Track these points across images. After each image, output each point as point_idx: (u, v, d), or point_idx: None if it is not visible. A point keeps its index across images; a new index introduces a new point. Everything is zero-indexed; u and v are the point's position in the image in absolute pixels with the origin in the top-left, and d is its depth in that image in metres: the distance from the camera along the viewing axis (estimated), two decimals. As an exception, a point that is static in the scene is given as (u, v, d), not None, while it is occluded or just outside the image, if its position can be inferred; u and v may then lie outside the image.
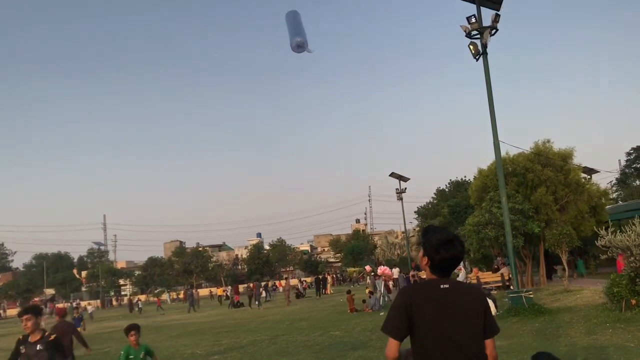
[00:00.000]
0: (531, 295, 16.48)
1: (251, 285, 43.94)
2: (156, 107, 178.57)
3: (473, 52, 17.40)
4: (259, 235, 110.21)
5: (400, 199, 49.65)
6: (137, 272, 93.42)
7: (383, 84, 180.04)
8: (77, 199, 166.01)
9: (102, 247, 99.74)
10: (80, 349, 10.01)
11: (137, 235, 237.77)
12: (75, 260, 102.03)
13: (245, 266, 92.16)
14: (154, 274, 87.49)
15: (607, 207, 27.73)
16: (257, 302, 36.44)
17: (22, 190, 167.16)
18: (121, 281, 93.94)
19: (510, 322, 14.95)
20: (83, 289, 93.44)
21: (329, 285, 46.64)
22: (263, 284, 49.03)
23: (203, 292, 69.55)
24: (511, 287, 20.65)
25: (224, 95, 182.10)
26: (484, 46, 17.19)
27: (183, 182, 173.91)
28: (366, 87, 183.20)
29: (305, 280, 58.44)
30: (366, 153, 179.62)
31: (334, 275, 67.47)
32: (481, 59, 17.46)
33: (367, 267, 35.10)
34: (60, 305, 40.22)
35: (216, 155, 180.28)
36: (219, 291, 55.71)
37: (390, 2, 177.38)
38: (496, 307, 16.81)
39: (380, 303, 23.94)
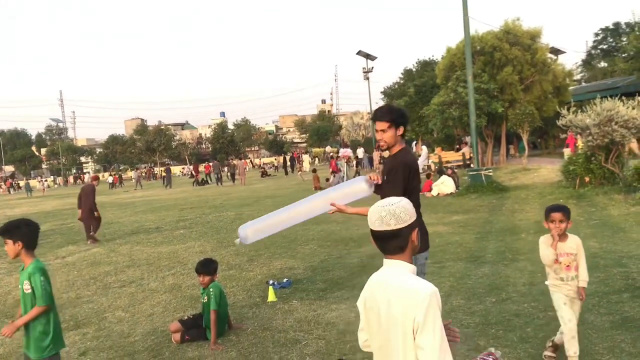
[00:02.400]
0: (490, 174, 16.89)
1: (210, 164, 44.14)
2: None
3: None
4: (222, 114, 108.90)
5: (367, 78, 48.96)
6: (98, 150, 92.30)
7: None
8: (31, 72, 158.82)
9: (60, 124, 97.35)
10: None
11: (96, 112, 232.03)
12: (33, 137, 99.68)
13: (210, 145, 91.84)
14: (115, 152, 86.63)
15: (571, 88, 27.98)
16: (218, 181, 36.77)
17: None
18: (82, 159, 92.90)
19: (468, 198, 15.43)
20: (44, 166, 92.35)
21: (302, 164, 45.71)
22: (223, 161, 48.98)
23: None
24: (471, 165, 21.12)
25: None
26: None
27: (143, 58, 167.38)
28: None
29: (266, 165, 58.55)
30: (333, 31, 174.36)
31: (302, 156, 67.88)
32: None
33: (327, 148, 35.36)
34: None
35: (178, 29, 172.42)
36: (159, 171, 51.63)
37: None
38: (457, 185, 17.27)
39: (343, 181, 24.37)
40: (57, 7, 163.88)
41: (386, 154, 3.80)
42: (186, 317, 5.73)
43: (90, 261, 10.84)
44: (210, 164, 45.17)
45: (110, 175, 55.31)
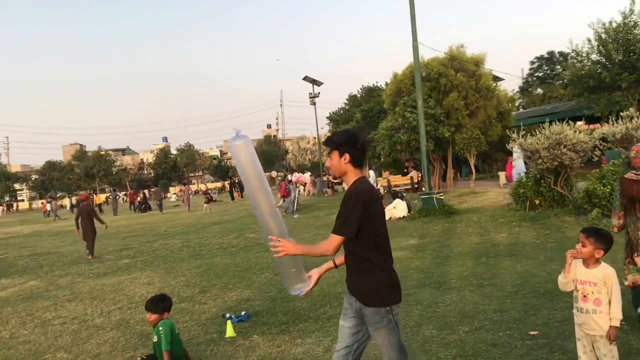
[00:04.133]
0: (442, 197, 16.94)
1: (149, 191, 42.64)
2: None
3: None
4: (165, 139, 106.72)
5: (314, 103, 49.08)
6: (34, 177, 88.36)
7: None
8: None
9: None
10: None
11: (32, 137, 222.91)
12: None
13: (152, 171, 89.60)
14: (52, 179, 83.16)
15: (513, 113, 28.82)
16: (159, 207, 35.73)
17: None
18: (17, 186, 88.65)
19: (421, 222, 15.36)
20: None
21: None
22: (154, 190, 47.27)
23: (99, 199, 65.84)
24: (423, 189, 21.21)
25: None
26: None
27: (82, 82, 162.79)
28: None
29: (210, 190, 57.25)
30: (278, 56, 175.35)
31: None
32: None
33: (273, 173, 35.01)
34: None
35: (118, 54, 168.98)
36: (97, 199, 47.44)
37: None
38: (409, 209, 17.22)
39: (294, 207, 24.00)
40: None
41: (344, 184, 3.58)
42: (139, 359, 5.18)
43: (27, 295, 9.99)
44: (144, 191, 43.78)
45: (48, 202, 52.72)
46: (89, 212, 14.97)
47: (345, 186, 3.30)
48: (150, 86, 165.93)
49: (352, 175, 3.23)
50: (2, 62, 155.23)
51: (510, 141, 14.41)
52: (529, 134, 14.16)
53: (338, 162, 3.23)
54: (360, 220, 3.03)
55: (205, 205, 27.77)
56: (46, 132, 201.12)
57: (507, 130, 20.43)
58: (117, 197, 41.85)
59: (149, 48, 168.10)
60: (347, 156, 3.20)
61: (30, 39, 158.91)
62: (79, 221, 14.63)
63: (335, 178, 32.34)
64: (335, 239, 3.04)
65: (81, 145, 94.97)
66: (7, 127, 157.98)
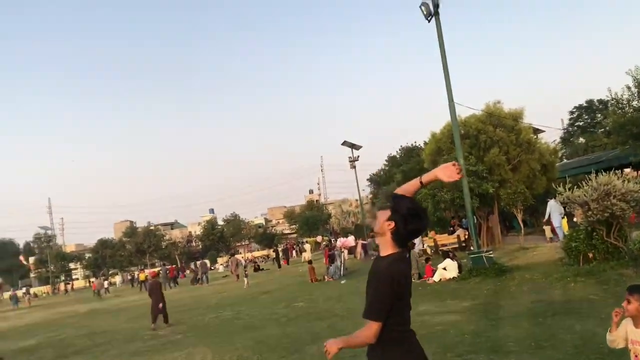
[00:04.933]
0: (491, 255, 16.65)
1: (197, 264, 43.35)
2: (93, 78, 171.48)
3: (425, 13, 17.11)
4: (211, 211, 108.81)
5: (354, 167, 49.61)
6: (87, 255, 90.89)
7: (330, 51, 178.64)
8: (19, 182, 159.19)
9: (49, 232, 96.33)
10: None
11: (85, 217, 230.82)
12: (22, 246, 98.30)
13: (200, 243, 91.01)
14: (105, 256, 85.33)
15: (557, 164, 28.41)
16: (205, 279, 36.17)
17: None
18: (71, 265, 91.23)
19: (473, 282, 15.07)
20: (32, 275, 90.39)
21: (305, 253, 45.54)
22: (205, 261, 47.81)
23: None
24: (471, 248, 20.89)
25: (166, 64, 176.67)
26: (436, 6, 16.92)
27: (129, 159, 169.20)
28: (313, 56, 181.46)
29: (258, 258, 57.51)
30: (317, 122, 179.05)
31: (295, 247, 67.21)
32: (433, 20, 17.20)
33: (319, 238, 35.12)
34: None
35: (162, 130, 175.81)
36: (141, 276, 45.92)
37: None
38: (460, 269, 16.95)
39: (341, 272, 23.92)
40: (41, 117, 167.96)
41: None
42: None
43: (85, 377, 10.20)
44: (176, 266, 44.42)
45: (99, 280, 53.97)
46: (157, 289, 16.80)
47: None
48: (195, 159, 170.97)
49: (389, 246, 2.98)
50: (57, 150, 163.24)
51: (557, 194, 14.21)
52: (575, 186, 13.96)
53: (382, 222, 2.98)
54: (392, 303, 2.86)
55: (245, 280, 27.92)
56: (98, 210, 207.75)
57: (552, 183, 20.13)
58: (167, 271, 42.60)
59: (192, 122, 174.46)
60: (392, 225, 2.94)
61: (80, 130, 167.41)
62: (151, 295, 16.48)
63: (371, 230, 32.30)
64: (373, 327, 2.87)
65: (131, 221, 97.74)
66: (62, 209, 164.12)
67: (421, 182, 3.25)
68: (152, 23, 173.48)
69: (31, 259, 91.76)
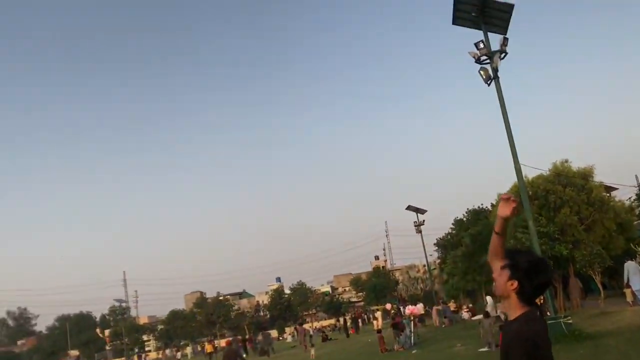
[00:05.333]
0: (570, 321, 15.91)
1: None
2: (163, 154, 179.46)
3: (484, 77, 17.34)
4: (278, 279, 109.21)
5: (419, 232, 49.08)
6: (159, 327, 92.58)
7: (392, 116, 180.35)
8: (96, 257, 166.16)
9: (124, 304, 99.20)
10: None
11: (157, 289, 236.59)
12: (98, 319, 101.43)
13: (268, 312, 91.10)
14: (176, 327, 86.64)
15: (636, 222, 27.12)
16: (270, 350, 35.96)
17: (42, 254, 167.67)
18: (144, 337, 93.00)
19: (553, 350, 14.35)
20: (107, 347, 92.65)
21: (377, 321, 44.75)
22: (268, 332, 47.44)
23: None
24: (548, 313, 20.02)
25: (237, 139, 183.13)
26: (495, 70, 17.13)
27: (197, 232, 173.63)
28: (375, 121, 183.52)
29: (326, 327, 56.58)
30: (379, 187, 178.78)
31: (363, 315, 65.90)
32: (493, 83, 17.38)
33: (387, 306, 34.50)
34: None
35: (229, 202, 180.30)
36: (207, 347, 45.13)
37: (394, 33, 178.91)
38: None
39: (411, 341, 23.33)
40: (118, 194, 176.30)
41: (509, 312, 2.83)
42: None
43: None
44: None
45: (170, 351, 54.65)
46: (234, 354, 18.28)
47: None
48: (261, 227, 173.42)
49: (517, 308, 2.73)
50: (127, 221, 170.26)
51: (638, 255, 13.61)
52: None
53: (504, 283, 2.76)
54: None
55: (311, 350, 27.60)
56: (169, 282, 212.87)
57: (630, 243, 19.26)
58: (238, 342, 42.66)
59: (256, 193, 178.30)
60: (515, 284, 2.72)
61: (152, 207, 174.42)
62: None
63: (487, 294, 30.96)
64: None
65: (201, 292, 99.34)
66: (136, 282, 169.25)
67: (497, 233, 3.02)
68: (234, 107, 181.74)
69: (107, 332, 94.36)
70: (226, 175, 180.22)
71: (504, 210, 2.91)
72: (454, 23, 18.31)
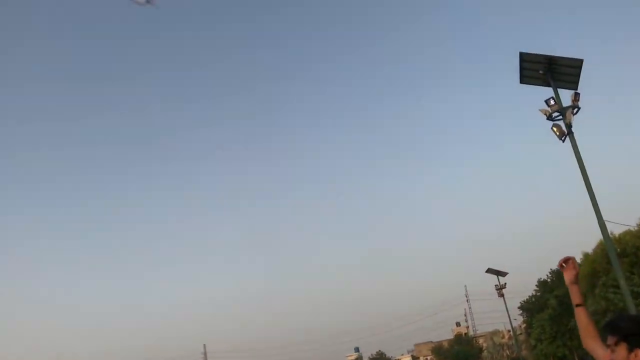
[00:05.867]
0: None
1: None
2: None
3: (557, 134, 17.02)
4: (357, 349, 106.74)
5: (501, 295, 47.02)
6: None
7: (464, 176, 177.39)
8: (175, 328, 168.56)
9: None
10: None
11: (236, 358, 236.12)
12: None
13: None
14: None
15: None
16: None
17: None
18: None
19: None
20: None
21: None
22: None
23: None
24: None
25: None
26: (569, 126, 16.80)
27: (271, 303, 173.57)
28: (448, 182, 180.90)
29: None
30: (456, 250, 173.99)
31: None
32: (567, 138, 17.01)
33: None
34: None
35: (303, 269, 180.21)
36: None
37: (461, 92, 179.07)
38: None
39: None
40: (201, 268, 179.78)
41: None
42: None
43: None
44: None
45: None
46: None
47: None
48: (338, 296, 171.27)
49: None
50: (210, 297, 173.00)
51: None
52: None
53: (624, 357, 2.50)
54: None
55: None
56: (247, 354, 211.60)
57: None
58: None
59: (331, 258, 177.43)
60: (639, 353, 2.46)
61: (230, 279, 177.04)
62: None
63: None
64: None
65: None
66: (215, 354, 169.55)
67: (578, 305, 2.90)
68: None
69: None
70: (300, 243, 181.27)
71: (567, 277, 2.87)
72: (521, 82, 18.28)
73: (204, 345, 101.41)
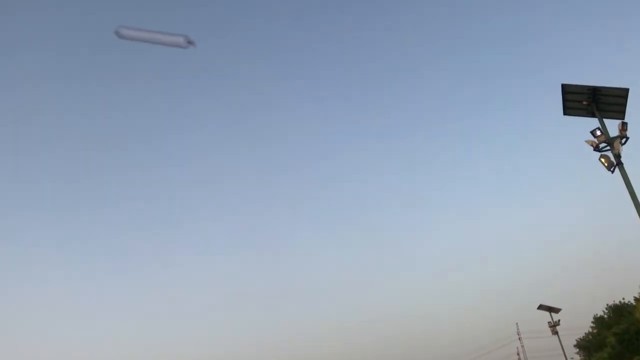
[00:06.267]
0: None
1: None
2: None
3: (606, 165, 16.64)
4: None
5: (555, 332, 45.25)
6: None
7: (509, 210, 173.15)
8: None
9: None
10: None
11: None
12: None
13: None
14: None
15: None
16: None
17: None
18: None
19: None
20: None
21: None
22: None
23: None
24: None
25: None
26: (617, 156, 16.42)
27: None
28: (493, 213, 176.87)
29: None
30: (505, 284, 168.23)
31: None
32: (617, 169, 16.60)
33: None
34: None
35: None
36: None
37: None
38: None
39: None
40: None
41: None
42: None
43: None
44: None
45: None
46: None
47: None
48: (376, 338, 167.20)
49: None
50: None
51: None
52: None
53: None
54: None
55: None
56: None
57: None
58: None
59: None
60: None
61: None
62: None
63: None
64: None
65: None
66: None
67: None
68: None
69: None
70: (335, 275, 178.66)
71: None
72: (565, 114, 18.06)
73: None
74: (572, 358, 68.39)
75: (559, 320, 45.15)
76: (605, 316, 50.61)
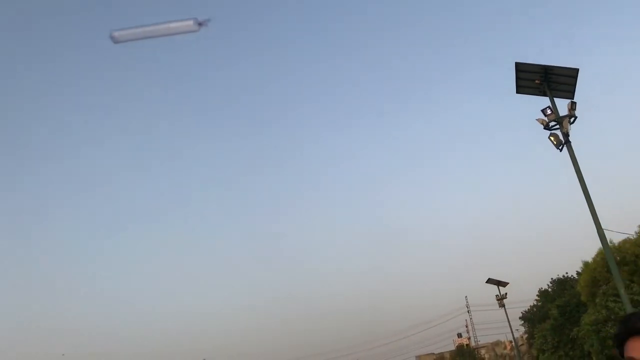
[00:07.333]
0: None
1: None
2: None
3: (555, 143, 17.07)
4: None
5: (502, 306, 46.84)
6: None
7: (463, 187, 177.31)
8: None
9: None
10: None
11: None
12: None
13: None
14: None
15: None
16: None
17: None
18: None
19: None
20: None
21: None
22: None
23: None
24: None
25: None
26: (566, 135, 16.86)
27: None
28: (446, 193, 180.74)
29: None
30: (456, 261, 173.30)
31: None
32: (565, 148, 17.06)
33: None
34: None
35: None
36: None
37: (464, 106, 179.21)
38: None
39: None
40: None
41: None
42: None
43: None
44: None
45: None
46: None
47: None
48: (337, 312, 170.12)
49: None
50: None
51: None
52: None
53: None
54: None
55: None
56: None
57: None
58: None
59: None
60: None
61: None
62: None
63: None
64: None
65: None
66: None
67: None
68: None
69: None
70: (300, 249, 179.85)
71: None
72: (517, 92, 18.37)
73: None
74: (517, 329, 71.19)
75: (505, 294, 46.72)
76: (550, 290, 52.62)
